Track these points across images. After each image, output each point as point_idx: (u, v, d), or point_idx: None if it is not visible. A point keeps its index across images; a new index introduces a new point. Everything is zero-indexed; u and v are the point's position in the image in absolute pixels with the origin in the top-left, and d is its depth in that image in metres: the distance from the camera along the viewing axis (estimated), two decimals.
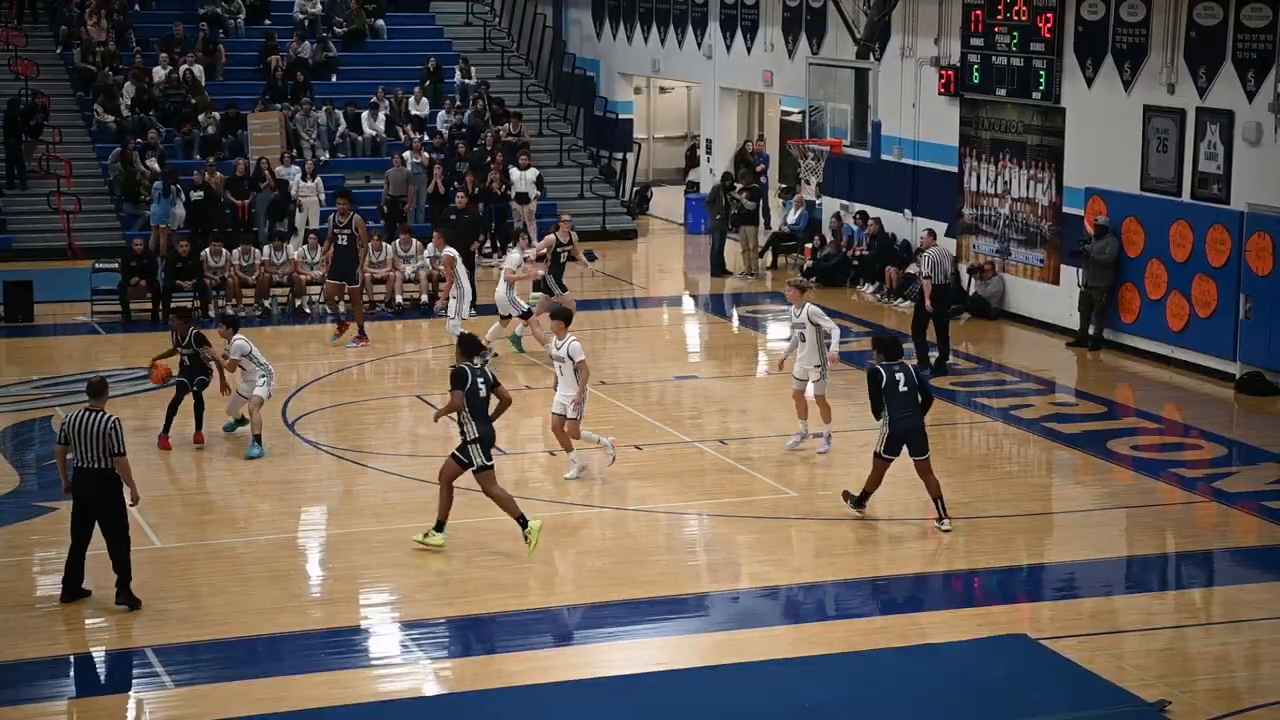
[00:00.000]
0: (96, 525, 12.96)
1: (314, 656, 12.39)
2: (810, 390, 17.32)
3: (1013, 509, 15.86)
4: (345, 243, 22.01)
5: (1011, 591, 13.96)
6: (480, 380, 14.12)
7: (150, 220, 26.93)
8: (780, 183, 34.14)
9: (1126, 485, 16.74)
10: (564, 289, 21.92)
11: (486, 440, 14.12)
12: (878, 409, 14.82)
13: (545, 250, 21.84)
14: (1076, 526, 15.53)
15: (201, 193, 27.11)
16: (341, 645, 12.58)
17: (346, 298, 22.30)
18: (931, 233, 22.64)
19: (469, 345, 14.57)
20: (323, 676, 11.95)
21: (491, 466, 14.19)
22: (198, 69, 31.11)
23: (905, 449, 14.78)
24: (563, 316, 16.40)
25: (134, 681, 12.03)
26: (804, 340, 17.20)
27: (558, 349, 16.23)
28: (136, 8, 33.98)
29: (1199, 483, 16.71)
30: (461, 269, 21.59)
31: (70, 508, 13.09)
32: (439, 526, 14.35)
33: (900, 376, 14.77)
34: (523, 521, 14.20)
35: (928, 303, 20.89)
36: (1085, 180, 22.82)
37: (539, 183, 29.85)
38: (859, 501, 15.20)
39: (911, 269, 23.65)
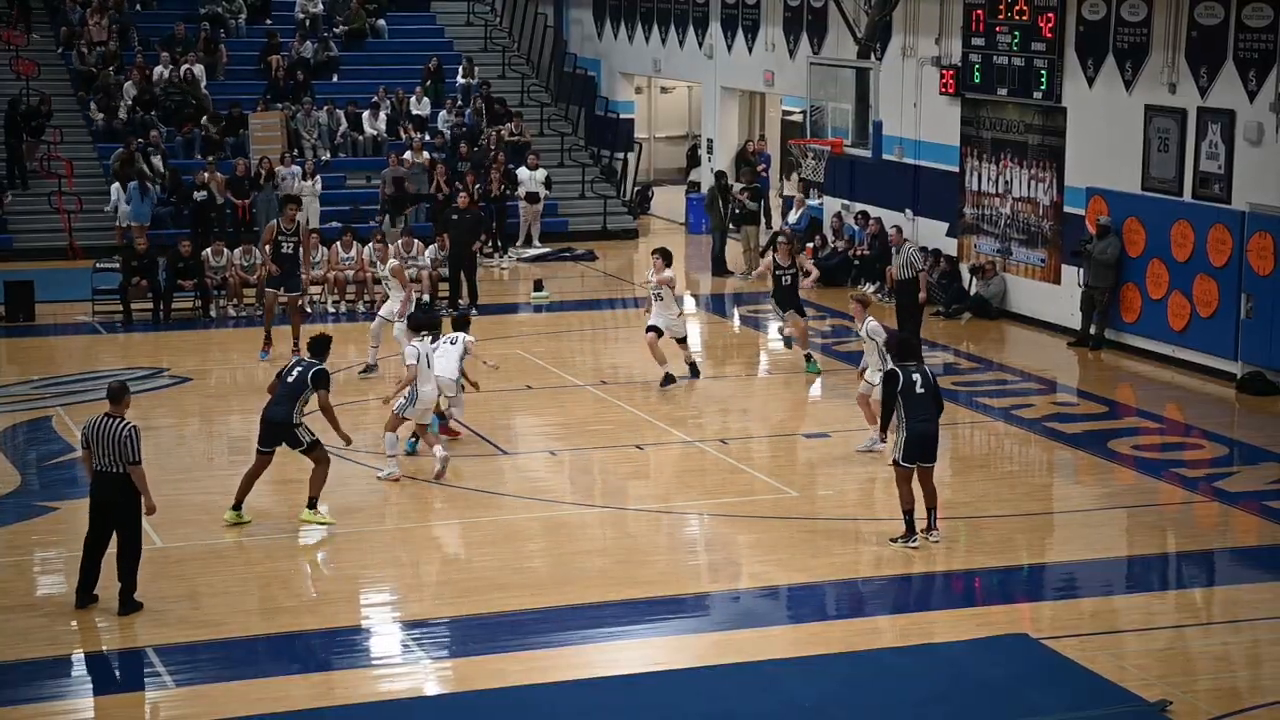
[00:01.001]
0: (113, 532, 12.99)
1: (314, 656, 12.39)
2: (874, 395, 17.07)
3: (1013, 509, 15.85)
4: (290, 251, 21.21)
5: (1012, 591, 13.95)
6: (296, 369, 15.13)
7: (128, 219, 26.85)
8: (778, 181, 34.13)
9: (1127, 485, 16.73)
10: (798, 311, 20.63)
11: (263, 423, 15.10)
12: (889, 414, 14.38)
13: (765, 271, 21.24)
14: (1077, 526, 15.52)
15: (204, 193, 27.14)
16: (341, 645, 12.58)
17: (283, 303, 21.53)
18: (899, 229, 22.96)
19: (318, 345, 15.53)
20: (322, 676, 11.95)
21: (259, 452, 15.09)
22: (199, 69, 31.12)
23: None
24: (413, 324, 17.02)
25: (134, 681, 12.03)
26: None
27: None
28: (137, 7, 33.99)
29: (1200, 482, 16.69)
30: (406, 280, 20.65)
31: (87, 510, 13.07)
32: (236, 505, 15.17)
33: (917, 378, 14.31)
34: (237, 506, 15.03)
35: (923, 294, 21.55)
36: (1086, 180, 22.81)
37: (547, 183, 29.86)
38: (909, 531, 14.41)
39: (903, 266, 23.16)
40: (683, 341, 20.25)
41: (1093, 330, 22.49)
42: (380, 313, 20.51)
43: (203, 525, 15.13)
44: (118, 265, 24.44)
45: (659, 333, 19.86)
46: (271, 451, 15.06)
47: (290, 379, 14.99)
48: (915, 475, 14.41)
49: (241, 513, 15.08)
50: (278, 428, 14.96)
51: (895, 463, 14.43)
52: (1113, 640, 12.64)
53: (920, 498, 14.49)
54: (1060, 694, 11.64)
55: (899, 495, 14.45)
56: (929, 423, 14.31)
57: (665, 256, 20.10)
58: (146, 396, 19.49)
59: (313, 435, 15.01)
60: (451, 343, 17.27)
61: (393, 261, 20.92)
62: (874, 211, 26.77)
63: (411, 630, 12.83)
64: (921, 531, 14.60)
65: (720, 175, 29.55)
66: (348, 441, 15.35)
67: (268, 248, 21.58)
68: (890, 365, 14.90)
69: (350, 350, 22.09)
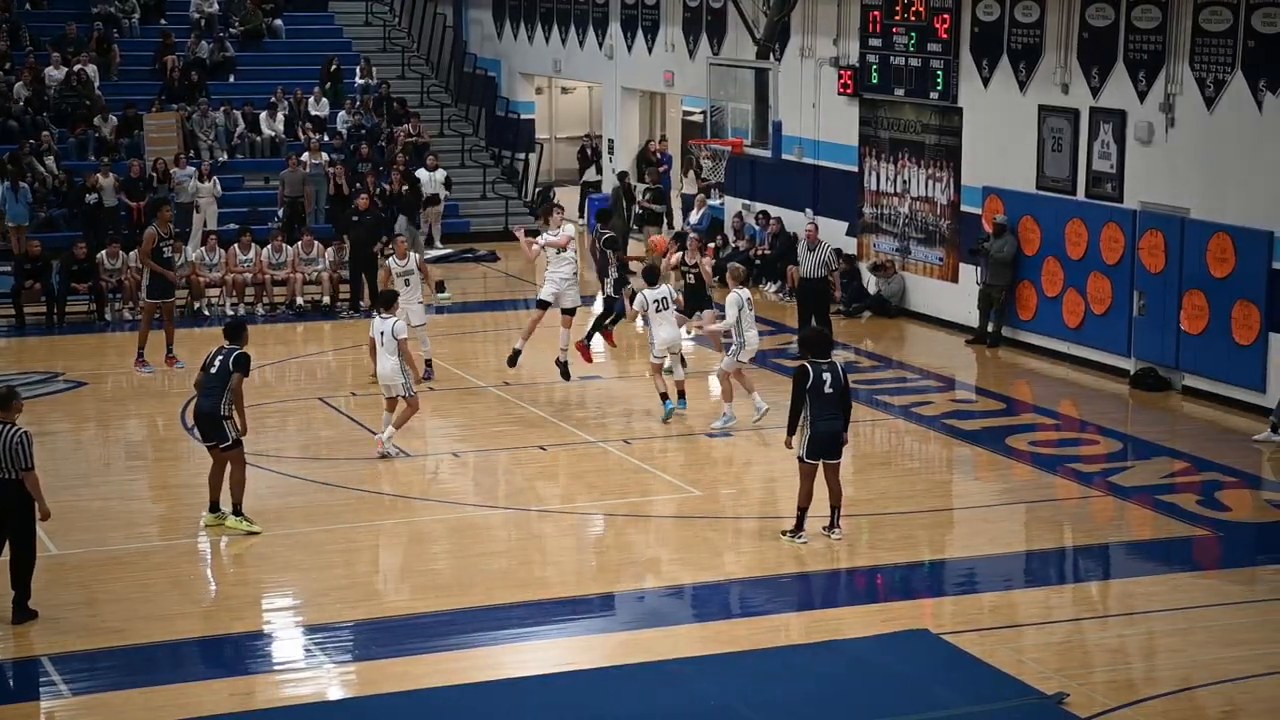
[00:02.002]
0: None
1: (215, 663, 12.27)
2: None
3: (914, 505, 16.01)
4: (170, 255, 20.65)
5: (913, 587, 14.09)
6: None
7: (7, 220, 26.32)
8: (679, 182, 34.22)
9: (1025, 480, 16.95)
10: (708, 305, 20.53)
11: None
12: (796, 411, 14.23)
13: (670, 268, 20.96)
14: (976, 522, 15.70)
15: (96, 195, 26.73)
16: (243, 651, 12.46)
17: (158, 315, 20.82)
18: (816, 226, 23.23)
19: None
20: (224, 683, 11.83)
21: (208, 449, 14.99)
22: (91, 69, 30.66)
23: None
24: (384, 301, 17.34)
25: (29, 691, 11.83)
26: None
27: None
28: (27, 7, 33.43)
29: (1095, 477, 16.95)
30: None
31: None
32: (214, 508, 15.06)
33: (828, 376, 14.17)
34: (214, 508, 14.94)
35: (837, 293, 22.49)
36: (982, 179, 23.09)
37: (447, 183, 29.73)
38: (798, 528, 14.54)
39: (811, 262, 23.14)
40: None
41: (990, 328, 22.77)
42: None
43: (100, 531, 14.93)
44: (10, 268, 24.03)
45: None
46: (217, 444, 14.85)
47: (214, 369, 14.81)
48: (823, 470, 14.43)
49: (221, 514, 14.91)
50: (206, 419, 14.79)
51: (800, 459, 14.45)
52: (1012, 634, 12.81)
53: (824, 496, 14.58)
54: (961, 688, 11.79)
55: (800, 491, 14.48)
56: (835, 421, 14.27)
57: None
58: (42, 401, 19.20)
59: (238, 433, 14.79)
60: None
61: (415, 255, 20.59)
62: (774, 211, 26.93)
63: (315, 635, 12.74)
64: (824, 529, 14.70)
65: (623, 175, 29.57)
66: (242, 431, 15.02)
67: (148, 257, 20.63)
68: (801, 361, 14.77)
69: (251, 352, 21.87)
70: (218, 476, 14.95)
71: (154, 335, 20.92)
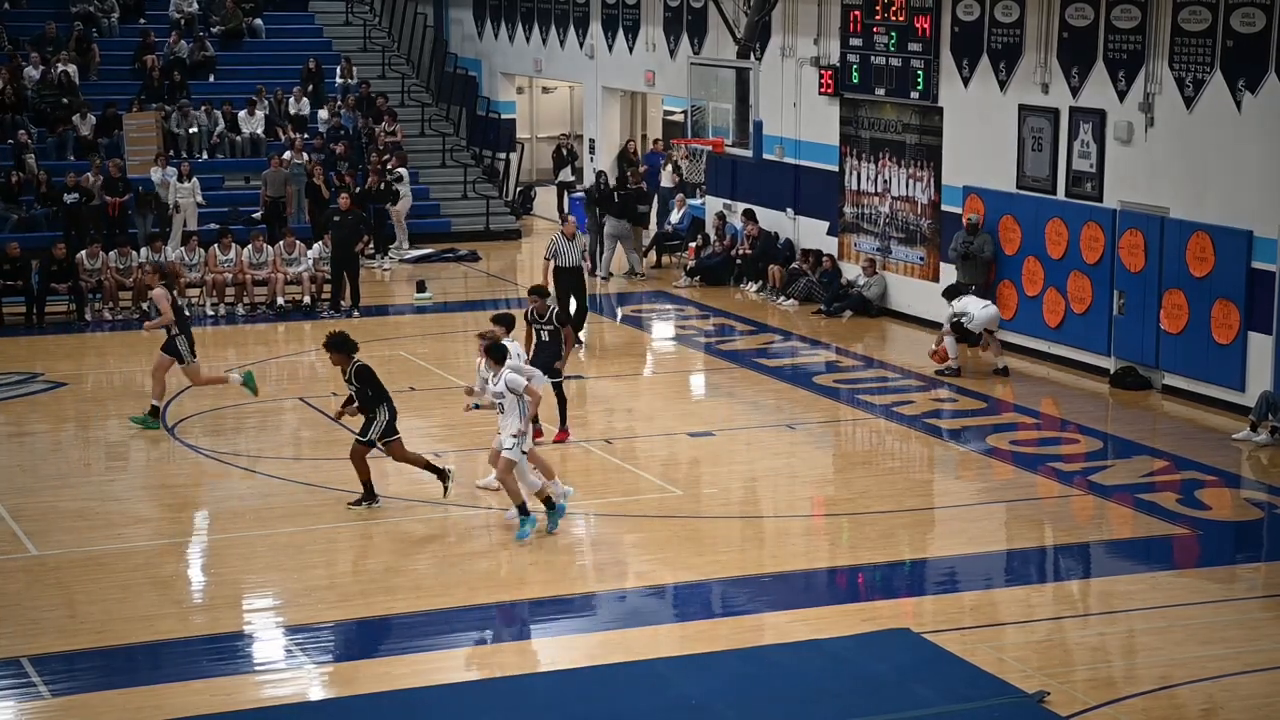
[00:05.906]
0: None
1: (195, 663, 12.22)
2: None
3: (895, 504, 16.03)
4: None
5: (894, 586, 14.11)
6: None
7: None
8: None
9: (1006, 479, 16.99)
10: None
11: None
12: (380, 400, 15.39)
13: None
14: (957, 521, 15.73)
15: (76, 194, 26.63)
16: (223, 651, 12.43)
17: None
18: (574, 220, 23.24)
19: None
20: (203, 684, 11.80)
21: None
22: (71, 68, 30.55)
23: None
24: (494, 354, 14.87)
25: (9, 692, 11.79)
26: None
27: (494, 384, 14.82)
28: (6, 6, 33.31)
29: (1076, 476, 16.99)
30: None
31: None
32: None
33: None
34: None
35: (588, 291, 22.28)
36: (963, 179, 23.13)
37: (408, 182, 29.63)
38: (368, 496, 15.50)
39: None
40: None
41: None
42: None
43: (79, 532, 14.88)
44: None
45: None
46: None
47: None
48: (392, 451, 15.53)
49: None
50: None
51: (371, 443, 15.28)
52: (993, 633, 12.83)
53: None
54: (942, 686, 11.80)
55: (360, 470, 15.36)
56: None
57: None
58: (21, 402, 19.14)
59: None
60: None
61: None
62: (756, 211, 26.91)
63: (295, 635, 12.71)
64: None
65: (600, 175, 29.56)
66: None
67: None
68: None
69: (233, 353, 21.84)
70: None
71: (131, 336, 20.89)
